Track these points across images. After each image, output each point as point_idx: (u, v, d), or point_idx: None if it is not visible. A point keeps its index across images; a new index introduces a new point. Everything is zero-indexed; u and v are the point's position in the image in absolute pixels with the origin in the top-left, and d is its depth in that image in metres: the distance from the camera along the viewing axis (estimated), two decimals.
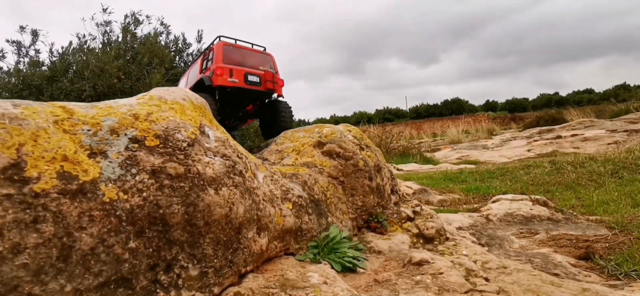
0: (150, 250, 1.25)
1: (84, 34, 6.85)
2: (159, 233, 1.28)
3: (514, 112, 30.98)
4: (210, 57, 3.22)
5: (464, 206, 3.94)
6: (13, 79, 6.04)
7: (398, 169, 7.59)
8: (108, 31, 6.92)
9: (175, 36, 7.85)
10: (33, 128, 1.18)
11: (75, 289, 1.06)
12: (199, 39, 7.97)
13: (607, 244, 2.40)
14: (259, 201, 1.74)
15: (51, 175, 1.13)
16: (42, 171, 1.12)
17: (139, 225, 1.24)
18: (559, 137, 10.42)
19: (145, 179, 1.31)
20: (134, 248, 1.22)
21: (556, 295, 1.71)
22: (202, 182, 1.43)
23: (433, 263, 1.91)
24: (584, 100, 30.84)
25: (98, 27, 6.88)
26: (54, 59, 6.43)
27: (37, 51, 6.56)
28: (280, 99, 3.58)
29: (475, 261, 2.13)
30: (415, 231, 2.53)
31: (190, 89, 3.21)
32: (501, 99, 38.26)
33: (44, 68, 6.25)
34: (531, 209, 3.30)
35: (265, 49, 3.48)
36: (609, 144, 8.33)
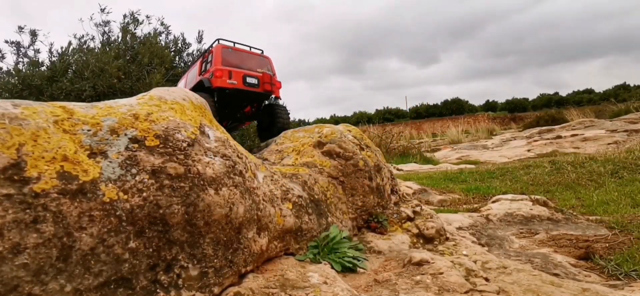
0: (150, 250, 1.25)
1: (83, 35, 6.85)
2: (159, 233, 1.28)
3: (514, 112, 30.99)
4: (209, 59, 3.28)
5: (464, 206, 3.94)
6: (13, 79, 6.04)
7: (398, 169, 7.59)
8: (107, 31, 6.92)
9: (175, 36, 7.86)
10: (33, 128, 1.18)
11: (75, 289, 1.06)
12: (200, 40, 7.97)
13: (607, 245, 2.40)
14: (259, 201, 1.74)
15: (51, 175, 1.13)
16: (42, 171, 1.12)
17: (139, 225, 1.24)
18: (559, 137, 10.42)
19: (145, 179, 1.31)
20: (134, 248, 1.22)
21: (556, 295, 1.71)
22: (202, 182, 1.43)
23: (433, 263, 1.91)
24: (584, 100, 30.85)
25: (97, 27, 6.88)
26: (54, 59, 6.43)
27: (37, 51, 6.56)
28: (278, 102, 3.67)
29: (475, 261, 2.13)
30: (415, 231, 2.53)
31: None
32: (501, 99, 38.28)
33: (44, 68, 6.25)
34: (531, 209, 3.30)
35: (262, 52, 3.54)
36: (609, 144, 8.33)
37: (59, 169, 1.16)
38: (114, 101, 1.60)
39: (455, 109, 34.31)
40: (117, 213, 1.21)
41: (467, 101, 36.97)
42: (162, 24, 7.58)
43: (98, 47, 6.73)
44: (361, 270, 1.94)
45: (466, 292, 1.67)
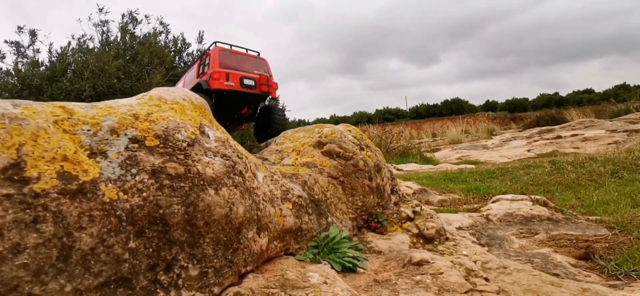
0: (150, 250, 1.25)
1: (82, 35, 6.85)
2: (159, 233, 1.28)
3: (514, 112, 30.99)
4: (206, 62, 3.34)
5: (464, 206, 3.94)
6: (12, 79, 6.04)
7: (398, 169, 7.59)
8: (105, 31, 6.92)
9: (174, 36, 7.86)
10: (33, 128, 1.18)
11: (75, 289, 1.06)
12: (200, 40, 7.98)
13: (607, 245, 2.40)
14: (259, 201, 1.74)
15: (51, 175, 1.13)
16: (42, 171, 1.12)
17: (139, 225, 1.24)
18: (559, 137, 10.42)
19: (145, 179, 1.31)
20: (134, 248, 1.22)
21: (556, 295, 1.71)
22: (202, 182, 1.43)
23: (433, 263, 1.91)
24: (584, 100, 30.85)
25: (95, 27, 6.88)
26: (54, 59, 6.43)
27: (37, 51, 6.56)
28: (274, 104, 3.76)
29: (475, 261, 2.13)
30: (415, 231, 2.53)
31: None
32: (501, 99, 38.29)
33: (43, 68, 6.25)
34: (531, 209, 3.30)
35: (259, 54, 3.60)
36: (609, 144, 8.33)
37: (59, 169, 1.16)
38: (114, 101, 1.60)
39: (455, 109, 34.32)
40: (117, 213, 1.21)
41: (467, 101, 36.99)
42: (161, 23, 7.58)
43: (97, 47, 6.73)
44: (361, 270, 1.94)
45: (466, 292, 1.67)
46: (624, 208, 3.22)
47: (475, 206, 3.80)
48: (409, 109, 37.32)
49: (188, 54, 7.97)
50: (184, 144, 1.47)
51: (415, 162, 8.98)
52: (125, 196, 1.25)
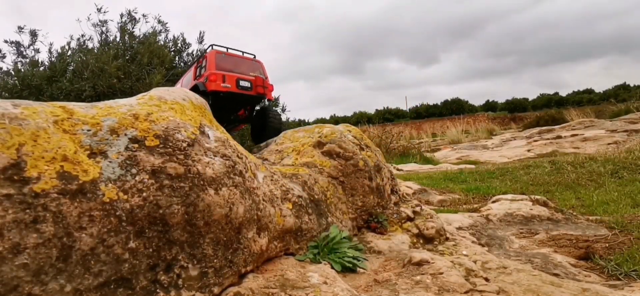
0: (150, 250, 1.25)
1: (81, 35, 6.85)
2: (159, 233, 1.28)
3: (514, 112, 30.99)
4: (203, 64, 3.42)
5: (464, 206, 3.94)
6: (12, 79, 6.04)
7: (398, 169, 7.59)
8: (104, 31, 6.92)
9: (174, 36, 7.86)
10: (33, 128, 1.18)
11: (75, 289, 1.06)
12: (201, 40, 7.98)
13: (607, 245, 2.40)
14: (259, 201, 1.74)
15: (51, 175, 1.13)
16: (42, 171, 1.12)
17: (139, 225, 1.24)
18: (559, 137, 10.43)
19: (145, 179, 1.31)
20: (134, 248, 1.22)
21: (556, 295, 1.71)
22: (202, 182, 1.43)
23: (433, 263, 1.91)
24: (584, 100, 30.85)
25: (94, 27, 6.88)
26: (53, 59, 6.43)
27: (37, 51, 6.56)
28: (270, 106, 3.84)
29: (475, 261, 2.13)
30: (415, 231, 2.53)
31: None
32: (501, 99, 38.30)
33: (43, 68, 6.25)
34: (531, 209, 3.30)
35: (254, 57, 3.68)
36: (609, 144, 8.33)
37: (59, 169, 1.16)
38: (114, 101, 1.60)
39: (455, 109, 34.32)
40: (117, 213, 1.21)
41: (467, 101, 37.00)
42: (159, 22, 7.58)
43: (97, 48, 6.73)
44: (361, 270, 1.94)
45: (466, 292, 1.67)
46: (624, 208, 3.22)
47: (475, 206, 3.79)
48: (409, 109, 37.33)
49: (188, 54, 7.98)
50: (184, 144, 1.47)
51: (415, 162, 8.98)
52: (125, 196, 1.25)
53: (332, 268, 1.83)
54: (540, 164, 5.63)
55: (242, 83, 3.31)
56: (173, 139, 1.46)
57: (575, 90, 38.45)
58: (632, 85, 32.02)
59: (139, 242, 1.23)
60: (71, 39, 6.79)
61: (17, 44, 6.43)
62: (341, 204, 2.44)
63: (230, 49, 3.52)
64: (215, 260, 1.41)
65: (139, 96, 1.72)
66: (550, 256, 2.33)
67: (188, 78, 3.82)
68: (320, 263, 1.86)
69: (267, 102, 3.85)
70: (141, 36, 7.06)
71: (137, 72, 6.23)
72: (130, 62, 6.36)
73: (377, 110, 36.94)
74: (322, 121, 29.07)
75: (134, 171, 1.31)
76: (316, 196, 2.24)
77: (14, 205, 1.03)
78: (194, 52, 7.92)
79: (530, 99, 37.17)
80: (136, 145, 1.37)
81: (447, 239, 2.55)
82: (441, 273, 1.79)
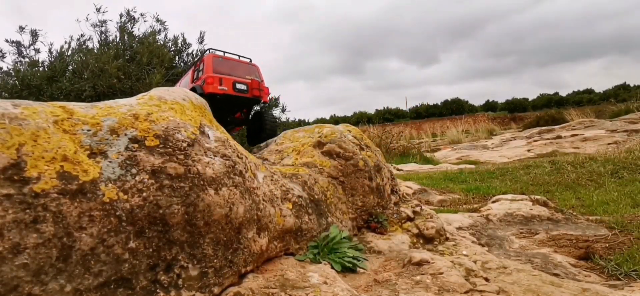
0: (150, 250, 1.25)
1: (80, 36, 6.85)
2: (159, 233, 1.28)
3: (514, 112, 31.00)
4: (201, 67, 3.53)
5: (464, 206, 3.94)
6: (12, 79, 6.04)
7: (398, 169, 7.59)
8: (104, 31, 6.92)
9: (174, 35, 7.85)
10: (33, 128, 1.18)
11: (75, 289, 1.06)
12: (201, 40, 7.97)
13: (607, 245, 2.40)
14: (259, 201, 1.74)
15: (51, 175, 1.13)
16: (42, 171, 1.12)
17: (139, 225, 1.24)
18: (559, 137, 10.43)
19: (145, 179, 1.31)
20: (134, 248, 1.22)
21: (556, 295, 1.71)
22: (202, 182, 1.43)
23: (433, 263, 1.91)
24: (584, 100, 30.86)
25: (94, 27, 6.88)
26: (53, 59, 6.43)
27: (37, 51, 6.56)
28: (266, 109, 3.96)
29: (475, 261, 2.13)
30: (415, 231, 2.53)
31: None
32: (501, 99, 38.32)
33: (43, 68, 6.25)
34: (531, 209, 3.30)
35: (251, 60, 3.79)
36: (608, 144, 8.33)
37: (59, 169, 1.16)
38: (114, 101, 1.60)
39: (455, 109, 34.33)
40: (117, 213, 1.21)
41: (467, 101, 37.02)
42: (158, 20, 7.56)
43: (96, 48, 6.73)
44: (361, 270, 1.94)
45: (466, 292, 1.67)
46: (624, 208, 3.22)
47: (475, 206, 3.79)
48: (409, 109, 37.34)
49: (188, 54, 7.97)
50: (184, 144, 1.47)
51: (415, 162, 8.98)
52: (125, 196, 1.24)
53: (332, 268, 1.83)
54: (540, 164, 5.63)
55: (238, 86, 3.39)
56: (173, 139, 1.46)
57: (575, 90, 38.49)
58: (632, 85, 32.04)
59: (139, 242, 1.23)
60: (71, 39, 6.79)
61: (18, 44, 6.43)
62: (341, 204, 2.44)
63: (227, 52, 3.62)
64: (215, 260, 1.41)
65: (139, 96, 1.72)
66: (550, 256, 2.33)
67: (186, 81, 3.92)
68: (320, 263, 1.86)
69: (263, 105, 3.97)
70: (140, 36, 7.05)
71: (137, 72, 6.23)
72: (130, 62, 6.36)
73: (377, 110, 36.97)
74: (322, 121, 29.06)
75: (134, 171, 1.31)
76: (316, 196, 2.24)
77: (14, 205, 1.03)
78: (194, 52, 7.92)
79: (530, 99, 37.20)
80: (136, 145, 1.37)
81: (447, 239, 2.55)
82: (441, 273, 1.79)
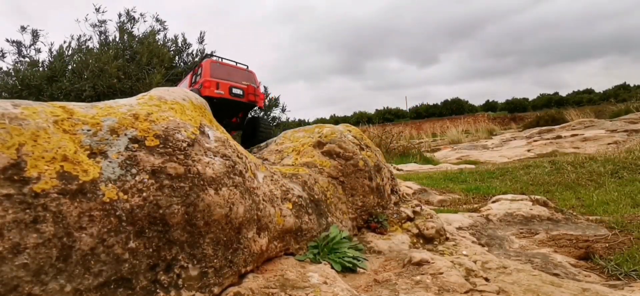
0: (150, 250, 1.25)
1: (79, 36, 6.85)
2: (159, 233, 1.28)
3: (514, 112, 31.00)
4: (199, 72, 3.68)
5: (464, 206, 3.94)
6: (12, 79, 6.04)
7: (398, 169, 7.59)
8: (103, 31, 6.92)
9: (174, 35, 7.85)
10: (33, 128, 1.18)
11: (75, 289, 1.06)
12: (201, 40, 7.97)
13: (607, 244, 2.40)
14: (259, 201, 1.74)
15: (51, 175, 1.13)
16: (42, 171, 1.12)
17: (139, 225, 1.24)
18: (559, 137, 10.43)
19: (145, 179, 1.31)
20: (134, 248, 1.22)
21: (556, 295, 1.71)
22: (202, 182, 1.43)
23: (433, 263, 1.91)
24: (584, 100, 30.86)
25: (93, 28, 6.88)
26: (53, 59, 6.43)
27: (38, 51, 6.56)
28: (261, 115, 4.14)
29: (475, 261, 2.13)
30: (415, 231, 2.53)
31: None
32: (501, 99, 38.34)
33: (43, 68, 6.25)
34: (531, 209, 3.30)
35: (247, 67, 3.94)
36: (608, 144, 8.33)
37: (59, 169, 1.16)
38: (114, 101, 1.60)
39: (455, 109, 34.34)
40: (117, 213, 1.21)
41: (467, 101, 37.03)
42: (157, 20, 7.57)
43: (96, 48, 6.73)
44: (361, 270, 1.94)
45: (466, 292, 1.67)
46: (624, 208, 3.22)
47: (475, 206, 3.79)
48: (409, 109, 37.35)
49: (188, 54, 7.97)
50: (184, 144, 1.47)
51: (415, 162, 8.98)
52: (125, 196, 1.25)
53: (332, 268, 1.83)
54: (540, 164, 5.63)
55: (234, 91, 3.54)
56: (173, 139, 1.46)
57: (575, 90, 38.51)
58: (632, 85, 32.05)
59: (139, 242, 1.23)
60: (71, 38, 6.79)
61: (18, 44, 6.43)
62: (341, 204, 2.44)
63: (224, 59, 3.79)
64: (215, 260, 1.41)
65: (139, 96, 1.72)
66: (550, 256, 2.33)
67: (184, 85, 4.06)
68: (320, 263, 1.86)
69: (258, 111, 4.15)
70: (140, 36, 7.05)
71: (137, 72, 6.23)
72: (129, 62, 6.36)
73: (377, 110, 36.99)
74: (322, 121, 29.06)
75: (134, 171, 1.31)
76: (316, 196, 2.24)
77: (14, 205, 1.03)
78: (194, 52, 7.92)
79: (530, 99, 37.21)
80: (136, 145, 1.37)
81: (447, 239, 2.55)
82: (441, 273, 1.79)
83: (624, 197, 3.53)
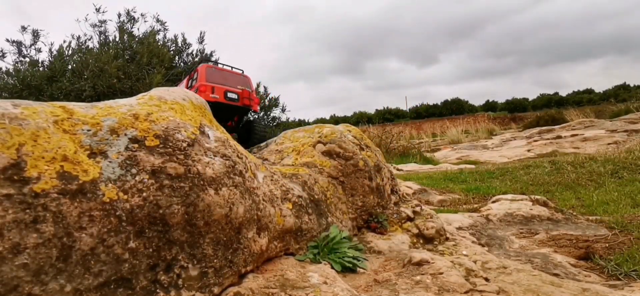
0: (150, 250, 1.25)
1: (80, 36, 6.85)
2: (159, 233, 1.28)
3: (514, 112, 31.00)
4: (195, 77, 3.75)
5: (464, 206, 3.94)
6: (12, 79, 6.04)
7: (398, 169, 7.59)
8: (103, 31, 6.92)
9: (174, 35, 7.85)
10: (33, 128, 1.18)
11: (75, 289, 1.06)
12: (201, 40, 7.97)
13: (607, 244, 2.40)
14: (259, 201, 1.74)
15: (51, 175, 1.13)
16: (42, 171, 1.12)
17: (139, 225, 1.24)
18: (559, 137, 10.43)
19: (145, 179, 1.31)
20: (134, 248, 1.22)
21: (556, 295, 1.71)
22: (202, 182, 1.43)
23: (433, 263, 1.91)
24: (584, 100, 30.87)
25: (93, 28, 6.88)
26: (53, 59, 6.43)
27: (38, 51, 6.56)
28: (256, 118, 4.24)
29: (475, 261, 2.13)
30: (415, 231, 2.53)
31: None
32: (501, 99, 38.35)
33: (43, 68, 6.25)
34: (531, 209, 3.30)
35: (242, 72, 4.01)
36: (608, 144, 8.33)
37: (59, 169, 1.16)
38: (114, 101, 1.60)
39: (455, 109, 34.35)
40: (117, 213, 1.21)
41: (467, 101, 37.04)
42: (158, 20, 7.57)
43: (96, 48, 6.73)
44: (361, 270, 1.94)
45: (466, 292, 1.67)
46: (624, 208, 3.22)
47: (475, 206, 3.79)
48: (409, 109, 37.36)
49: (188, 54, 7.97)
50: (184, 144, 1.47)
51: (415, 162, 8.98)
52: (125, 196, 1.24)
53: (332, 268, 1.83)
54: (540, 164, 5.63)
55: (229, 95, 3.63)
56: (173, 139, 1.46)
57: (575, 90, 38.52)
58: (632, 85, 32.05)
59: (139, 242, 1.23)
60: (71, 38, 6.79)
61: (19, 44, 6.43)
62: (341, 204, 2.44)
63: (220, 64, 3.88)
64: (215, 260, 1.41)
65: (139, 96, 1.72)
66: (550, 256, 2.33)
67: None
68: (320, 263, 1.86)
69: (253, 114, 4.22)
70: (140, 36, 7.05)
71: (137, 72, 6.23)
72: (129, 62, 6.36)
73: (377, 110, 37.01)
74: (322, 121, 29.05)
75: (134, 171, 1.31)
76: (316, 196, 2.24)
77: (14, 205, 1.03)
78: (194, 52, 7.92)
79: (530, 99, 37.22)
80: (136, 145, 1.37)
81: (447, 239, 2.55)
82: (441, 273, 1.79)
83: (624, 197, 3.53)
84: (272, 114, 9.13)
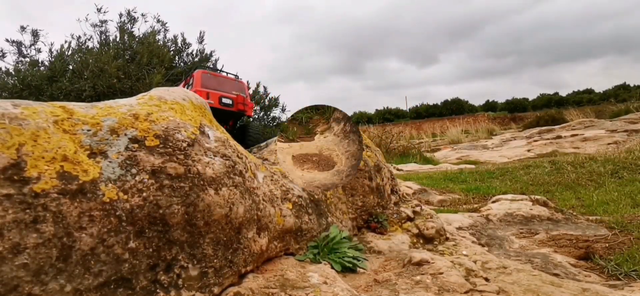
0: (150, 250, 1.25)
1: (80, 36, 6.85)
2: (159, 233, 1.28)
3: (514, 112, 30.99)
4: (190, 82, 3.83)
5: (464, 206, 3.94)
6: (12, 79, 6.04)
7: (398, 169, 7.59)
8: (104, 31, 6.92)
9: (174, 35, 7.85)
10: (33, 128, 1.18)
11: (75, 289, 1.06)
12: (201, 40, 7.97)
13: (607, 244, 2.40)
14: (259, 201, 1.74)
15: (51, 175, 1.13)
16: (42, 171, 1.12)
17: (139, 225, 1.24)
18: (559, 137, 10.43)
19: (145, 179, 1.31)
20: (134, 248, 1.22)
21: (556, 295, 1.71)
22: (202, 182, 1.43)
23: (433, 263, 1.91)
24: (584, 100, 30.86)
25: (93, 28, 6.88)
26: (53, 59, 6.43)
27: (38, 50, 6.56)
28: (251, 122, 4.36)
29: (475, 261, 2.13)
30: (415, 231, 2.53)
31: None
32: (501, 99, 38.34)
33: (43, 68, 6.25)
34: (531, 209, 3.30)
35: (237, 77, 4.13)
36: (608, 144, 8.33)
37: (59, 169, 1.16)
38: (114, 101, 1.60)
39: (455, 109, 34.35)
40: (117, 213, 1.21)
41: (467, 101, 37.03)
42: (158, 21, 7.57)
43: (96, 47, 6.73)
44: (361, 270, 1.94)
45: (466, 292, 1.67)
46: (624, 208, 3.22)
47: (475, 206, 3.79)
48: (409, 109, 37.37)
49: (188, 54, 7.97)
50: (184, 144, 1.47)
51: (415, 162, 8.98)
52: (125, 196, 1.25)
53: (332, 268, 1.83)
54: (540, 164, 5.63)
55: (224, 100, 3.72)
56: (173, 139, 1.46)
57: (575, 90, 38.51)
58: (632, 85, 32.04)
59: (139, 242, 1.23)
60: (71, 38, 6.79)
61: (19, 44, 6.43)
62: (341, 204, 2.44)
63: (215, 69, 4.01)
64: (215, 260, 1.41)
65: (139, 96, 1.72)
66: (550, 256, 2.33)
67: None
68: (320, 263, 1.86)
69: (247, 119, 4.33)
70: (141, 36, 7.05)
71: (137, 72, 6.23)
72: (130, 62, 6.36)
73: (377, 110, 37.01)
74: None
75: (134, 171, 1.31)
76: (316, 196, 2.24)
77: (14, 205, 1.03)
78: (194, 52, 7.92)
79: (530, 99, 37.21)
80: (136, 145, 1.37)
81: (447, 239, 2.55)
82: (441, 273, 1.79)
83: (624, 197, 3.53)
84: (272, 114, 9.14)
